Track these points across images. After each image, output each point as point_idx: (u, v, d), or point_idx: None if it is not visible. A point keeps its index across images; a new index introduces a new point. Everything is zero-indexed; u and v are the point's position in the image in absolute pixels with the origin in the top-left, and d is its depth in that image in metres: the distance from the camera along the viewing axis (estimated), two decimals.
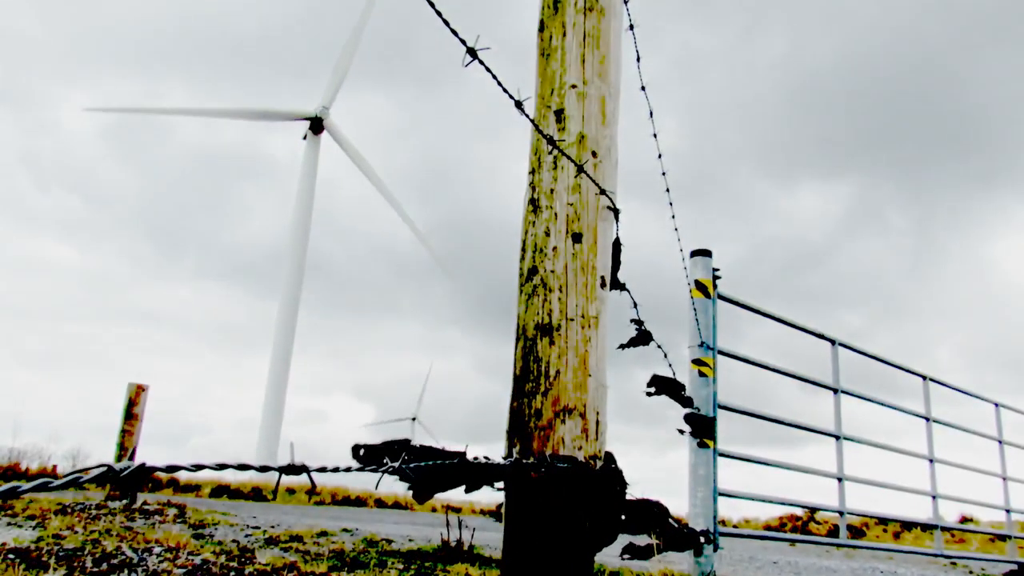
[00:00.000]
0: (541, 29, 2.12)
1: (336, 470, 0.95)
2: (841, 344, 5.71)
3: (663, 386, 3.33)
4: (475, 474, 1.66)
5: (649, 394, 3.39)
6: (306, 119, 35.61)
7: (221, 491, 16.86)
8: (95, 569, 3.17)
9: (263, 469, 0.88)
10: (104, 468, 0.65)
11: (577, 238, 1.90)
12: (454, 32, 1.22)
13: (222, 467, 0.81)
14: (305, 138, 36.13)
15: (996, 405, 7.81)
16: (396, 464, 1.21)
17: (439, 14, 1.15)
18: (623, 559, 2.22)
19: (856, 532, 17.01)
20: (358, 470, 1.05)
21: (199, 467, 0.77)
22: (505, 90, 1.44)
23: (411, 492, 1.50)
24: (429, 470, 1.43)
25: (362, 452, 1.39)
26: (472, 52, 1.28)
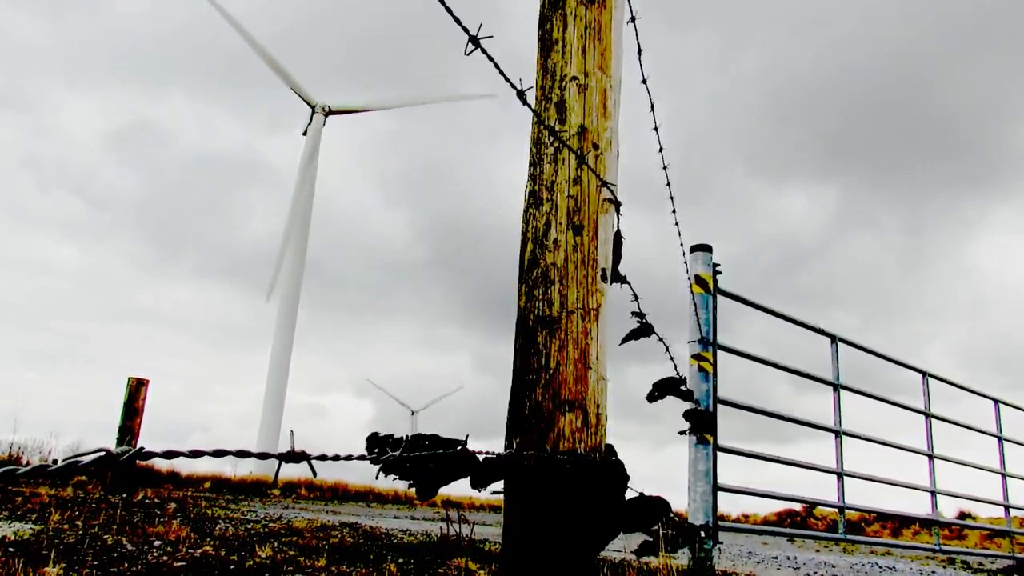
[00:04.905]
0: (542, 22, 2.11)
1: (336, 458, 0.95)
2: (841, 340, 5.70)
3: (664, 389, 3.33)
4: (475, 466, 1.65)
5: (652, 400, 3.37)
6: (307, 104, 35.97)
7: (221, 485, 16.88)
8: (95, 563, 3.17)
9: (263, 456, 0.88)
10: (102, 452, 0.64)
11: (578, 230, 1.89)
12: (457, 20, 1.21)
13: (220, 453, 0.80)
14: (305, 134, 36.28)
15: (996, 402, 7.81)
16: (396, 453, 1.20)
17: (442, 2, 1.14)
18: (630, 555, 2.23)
19: (855, 528, 17.04)
20: (359, 458, 1.05)
21: (197, 453, 0.77)
22: (507, 79, 1.43)
23: (414, 490, 1.50)
24: (428, 461, 1.42)
25: (376, 445, 1.39)
26: (475, 40, 1.27)
